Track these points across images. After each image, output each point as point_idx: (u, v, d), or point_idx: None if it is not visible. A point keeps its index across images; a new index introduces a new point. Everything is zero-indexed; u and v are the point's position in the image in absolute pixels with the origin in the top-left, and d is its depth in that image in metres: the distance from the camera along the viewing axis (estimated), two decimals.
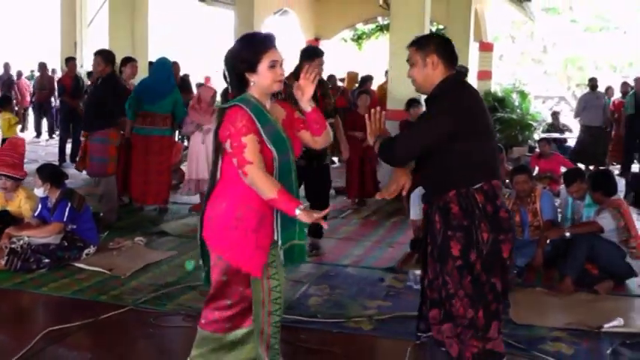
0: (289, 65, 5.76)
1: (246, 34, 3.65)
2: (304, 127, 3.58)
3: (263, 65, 3.40)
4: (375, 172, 9.61)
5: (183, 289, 5.58)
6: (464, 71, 10.60)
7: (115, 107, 7.80)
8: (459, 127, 3.34)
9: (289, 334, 4.69)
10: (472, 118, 3.41)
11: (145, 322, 4.85)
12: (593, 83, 14.47)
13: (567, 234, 6.33)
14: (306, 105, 3.47)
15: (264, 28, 17.31)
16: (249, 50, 3.43)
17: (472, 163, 3.35)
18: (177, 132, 10.72)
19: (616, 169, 13.33)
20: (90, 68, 12.69)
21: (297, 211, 3.25)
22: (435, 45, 3.53)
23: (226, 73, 3.52)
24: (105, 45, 13.54)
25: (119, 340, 4.67)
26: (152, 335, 4.69)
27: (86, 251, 6.34)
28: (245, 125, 3.32)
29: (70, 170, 9.87)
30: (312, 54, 6.66)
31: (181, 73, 13.66)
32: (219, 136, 3.44)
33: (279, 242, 3.50)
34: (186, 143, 12.56)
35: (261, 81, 3.42)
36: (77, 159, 10.71)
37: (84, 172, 9.50)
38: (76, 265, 6.11)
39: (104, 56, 7.98)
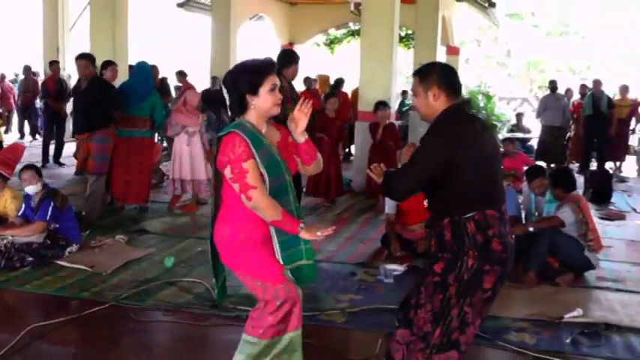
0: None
1: (248, 60, 3.58)
2: (296, 153, 3.55)
3: (264, 88, 3.37)
4: (340, 173, 9.58)
5: (163, 285, 5.56)
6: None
7: (110, 106, 7.79)
8: (452, 155, 3.26)
9: None
10: (467, 146, 3.30)
11: (126, 317, 4.83)
12: (553, 85, 14.57)
13: (531, 229, 6.37)
14: (299, 137, 3.45)
15: (240, 34, 17.29)
16: (252, 73, 3.40)
17: (466, 192, 3.28)
18: (156, 133, 10.62)
19: (575, 167, 13.46)
20: (72, 71, 12.67)
21: (300, 230, 3.28)
22: (437, 76, 3.45)
23: (226, 95, 3.49)
24: (86, 49, 13.47)
25: (101, 335, 4.65)
26: (133, 330, 4.67)
27: (69, 249, 6.29)
28: (244, 151, 3.28)
29: (53, 171, 9.77)
30: (291, 60, 6.64)
31: (160, 77, 13.57)
32: (217, 163, 3.40)
33: (281, 262, 3.46)
34: (165, 144, 12.55)
35: (261, 104, 3.39)
36: (77, 162, 10.47)
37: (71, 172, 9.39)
38: (59, 262, 6.05)
39: (90, 59, 7.94)
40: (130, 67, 10.44)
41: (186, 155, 8.42)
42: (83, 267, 5.91)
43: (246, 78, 3.39)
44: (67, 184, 9.77)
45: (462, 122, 3.39)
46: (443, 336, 3.26)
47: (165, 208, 8.64)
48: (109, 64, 8.90)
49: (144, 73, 8.31)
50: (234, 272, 3.55)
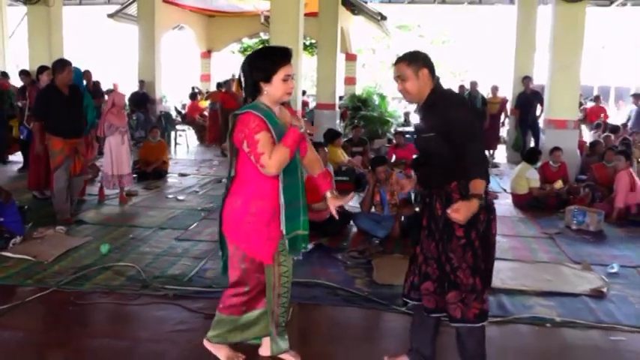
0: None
1: (266, 47, 3.46)
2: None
3: (277, 77, 3.29)
4: None
5: (99, 269, 5.45)
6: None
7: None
8: None
9: (190, 303, 4.71)
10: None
11: (67, 301, 4.71)
12: None
13: (417, 209, 6.52)
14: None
15: (163, 42, 17.02)
16: (267, 61, 3.31)
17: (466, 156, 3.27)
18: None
19: None
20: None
21: (299, 129, 3.27)
22: (423, 59, 3.40)
23: (242, 78, 3.38)
24: (25, 55, 13.02)
25: (45, 319, 4.54)
26: (74, 312, 4.56)
27: (13, 241, 6.07)
28: (258, 125, 3.23)
29: None
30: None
31: (93, 80, 13.23)
32: (234, 139, 3.33)
33: (284, 232, 3.43)
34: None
35: (273, 91, 3.31)
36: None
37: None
38: (3, 254, 5.82)
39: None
40: None
41: (123, 152, 8.29)
42: (26, 257, 5.72)
43: (261, 65, 3.31)
44: (8, 181, 9.42)
45: (463, 97, 3.45)
46: (482, 280, 3.35)
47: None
48: (44, 69, 8.64)
49: (77, 77, 8.06)
50: (230, 242, 3.48)
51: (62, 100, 6.97)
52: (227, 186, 3.48)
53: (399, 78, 3.42)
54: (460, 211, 3.08)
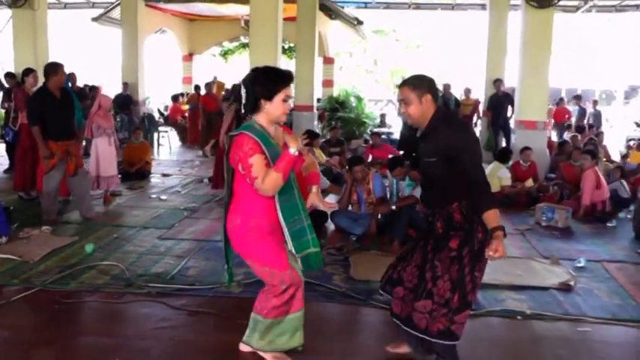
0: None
1: (271, 67, 3.46)
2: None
3: (279, 97, 3.29)
4: None
5: (84, 269, 5.39)
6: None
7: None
8: None
9: (173, 301, 4.69)
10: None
11: (53, 300, 4.66)
12: None
13: (393, 207, 6.57)
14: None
15: (146, 45, 16.93)
16: (272, 80, 3.30)
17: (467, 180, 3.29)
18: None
19: None
20: None
21: (292, 150, 3.18)
22: (428, 84, 3.40)
23: (243, 94, 3.33)
24: (10, 57, 12.85)
25: (31, 318, 4.47)
26: (59, 311, 4.51)
27: None
28: (251, 148, 3.20)
29: None
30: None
31: (80, 83, 13.14)
32: (230, 160, 3.31)
33: (294, 251, 3.43)
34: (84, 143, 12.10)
35: (273, 110, 3.30)
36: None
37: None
38: None
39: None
40: None
41: (110, 154, 8.22)
42: (12, 257, 5.64)
43: (265, 84, 3.29)
44: None
45: (466, 123, 3.46)
46: (460, 299, 3.30)
47: None
48: (30, 71, 8.54)
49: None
50: (245, 259, 3.48)
51: (54, 103, 6.86)
52: (226, 203, 3.47)
53: (403, 101, 3.43)
54: (498, 250, 3.12)
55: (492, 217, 3.19)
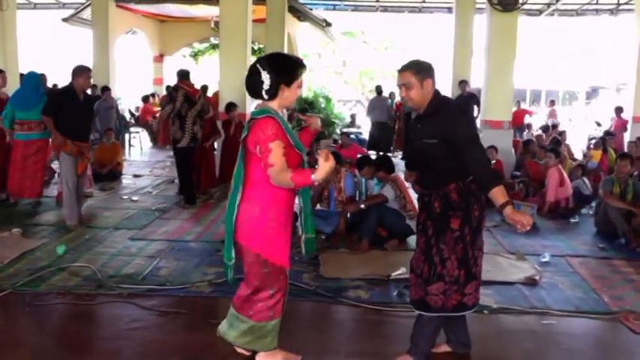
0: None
1: (285, 55, 3.47)
2: None
3: (295, 83, 3.30)
4: (214, 166, 9.43)
5: (55, 271, 5.30)
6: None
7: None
8: None
9: (144, 301, 4.64)
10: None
11: (23, 302, 4.57)
12: (379, 89, 15.01)
13: (362, 206, 6.57)
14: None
15: (117, 46, 16.74)
16: (294, 67, 3.31)
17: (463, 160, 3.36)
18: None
19: (399, 155, 14.01)
20: None
21: (314, 177, 3.12)
22: (427, 69, 3.46)
23: (266, 80, 3.24)
24: None
25: (0, 321, 4.40)
26: (29, 313, 4.42)
27: None
28: (274, 133, 3.16)
29: None
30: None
31: (50, 84, 12.92)
32: (247, 143, 3.25)
33: (303, 235, 3.46)
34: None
35: (289, 95, 3.30)
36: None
37: None
38: None
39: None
40: (21, 75, 9.83)
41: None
42: None
43: (286, 70, 3.28)
44: None
45: (460, 105, 3.52)
46: (467, 275, 3.44)
47: (55, 201, 8.21)
48: None
49: (34, 81, 7.83)
50: (250, 251, 3.35)
51: (76, 104, 6.79)
52: (235, 192, 3.33)
53: (404, 86, 3.46)
54: (524, 222, 3.21)
55: (499, 193, 3.29)
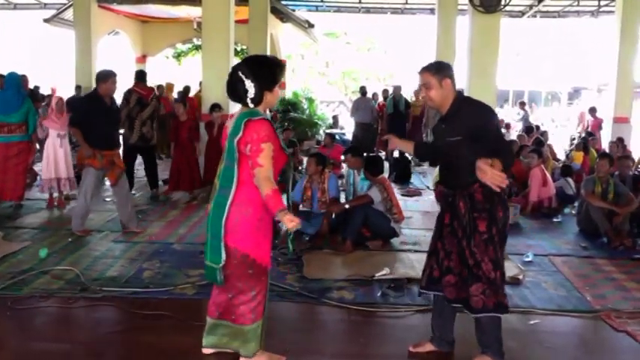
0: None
1: (264, 56, 3.50)
2: None
3: (277, 86, 3.37)
4: (198, 166, 9.38)
5: (38, 274, 5.25)
6: None
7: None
8: None
9: (128, 304, 4.62)
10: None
11: (4, 306, 4.52)
12: (363, 90, 15.01)
13: (347, 206, 6.57)
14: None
15: (100, 47, 16.63)
16: (274, 72, 3.34)
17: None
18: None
19: (382, 155, 14.03)
20: None
21: (279, 214, 3.15)
22: (446, 69, 3.52)
23: (249, 88, 3.27)
24: None
25: None
26: (11, 317, 4.38)
27: None
28: (267, 134, 3.22)
29: None
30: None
31: (31, 85, 12.79)
32: (239, 143, 3.25)
33: (291, 235, 3.49)
34: (37, 146, 11.80)
35: (271, 99, 3.38)
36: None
37: None
38: None
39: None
40: (1, 76, 9.73)
41: (61, 156, 8.01)
42: None
43: (268, 75, 3.33)
44: None
45: (484, 103, 3.57)
46: (502, 275, 3.50)
47: (38, 204, 8.11)
48: None
49: (16, 83, 7.74)
50: (237, 252, 3.34)
51: (101, 109, 6.58)
52: (223, 193, 3.33)
53: (424, 86, 3.54)
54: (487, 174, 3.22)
55: (497, 162, 3.32)
